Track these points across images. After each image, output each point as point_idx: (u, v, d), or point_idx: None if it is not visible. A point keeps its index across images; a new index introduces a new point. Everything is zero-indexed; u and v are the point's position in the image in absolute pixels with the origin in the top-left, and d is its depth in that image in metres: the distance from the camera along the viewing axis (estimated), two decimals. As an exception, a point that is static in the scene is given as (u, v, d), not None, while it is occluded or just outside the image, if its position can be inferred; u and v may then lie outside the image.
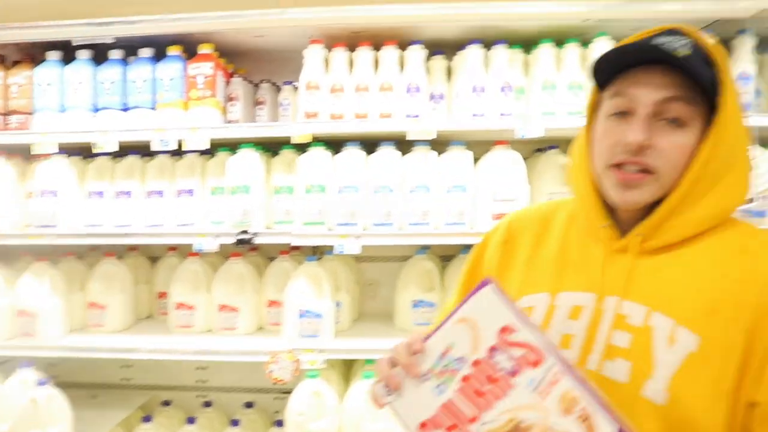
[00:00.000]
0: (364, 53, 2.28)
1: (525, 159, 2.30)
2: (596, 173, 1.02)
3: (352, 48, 2.31)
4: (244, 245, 2.31)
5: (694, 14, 2.16)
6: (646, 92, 0.95)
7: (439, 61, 2.33)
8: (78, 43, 2.38)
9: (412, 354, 0.97)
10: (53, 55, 2.42)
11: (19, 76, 2.42)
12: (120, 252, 2.68)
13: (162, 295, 2.67)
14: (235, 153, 2.36)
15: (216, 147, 2.40)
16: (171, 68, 2.33)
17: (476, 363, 0.90)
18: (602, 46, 2.24)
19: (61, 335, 2.39)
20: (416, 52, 2.27)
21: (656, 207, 0.98)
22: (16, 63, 2.48)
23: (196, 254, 2.53)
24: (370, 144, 2.32)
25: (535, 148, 2.51)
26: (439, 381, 0.92)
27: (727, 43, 2.34)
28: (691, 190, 0.95)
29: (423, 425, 0.92)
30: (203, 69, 2.32)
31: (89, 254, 2.72)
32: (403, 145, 2.29)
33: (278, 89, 2.58)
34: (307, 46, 2.29)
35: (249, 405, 2.60)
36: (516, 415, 0.86)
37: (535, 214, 1.17)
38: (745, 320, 0.88)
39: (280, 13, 2.23)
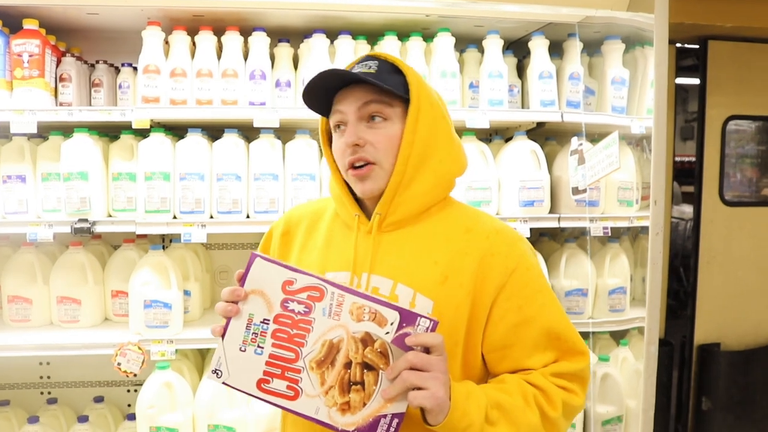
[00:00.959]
0: (206, 38, 2.22)
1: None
2: (344, 176, 1.23)
3: (193, 32, 2.24)
4: (84, 234, 2.20)
5: (528, 17, 2.31)
6: (349, 103, 1.17)
7: (284, 49, 2.32)
8: None
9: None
10: None
11: None
12: (-58, 243, 2.46)
13: (-7, 288, 2.49)
14: (69, 137, 2.23)
15: (48, 130, 2.25)
16: (-9, 44, 2.15)
17: (276, 318, 1.06)
18: (444, 41, 2.33)
19: None
20: (260, 39, 2.25)
21: None
22: None
23: (30, 244, 2.37)
24: (213, 130, 2.28)
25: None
26: (254, 346, 1.06)
27: (559, 45, 2.52)
28: (406, 169, 1.17)
29: (259, 383, 1.06)
30: (28, 46, 2.15)
31: None
32: (249, 132, 2.27)
33: (117, 71, 2.45)
34: (146, 28, 2.19)
35: (99, 399, 2.51)
36: (325, 338, 1.04)
37: (309, 209, 1.35)
38: (468, 284, 1.15)
39: (113, -10, 2.11)
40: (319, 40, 2.26)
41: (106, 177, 2.27)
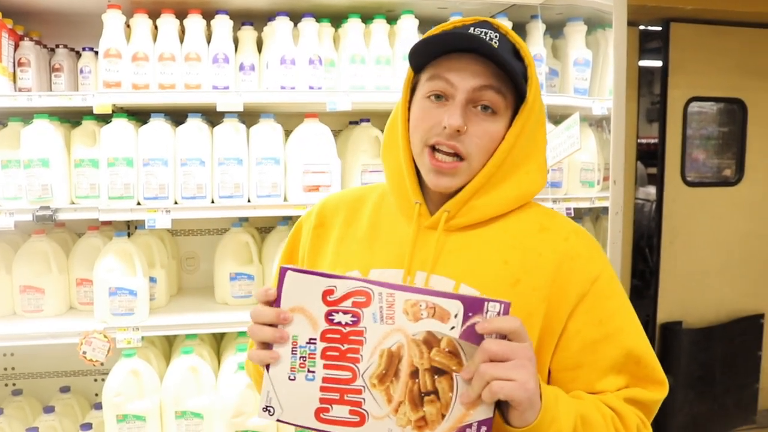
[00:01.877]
0: (168, 21, 2.19)
1: (339, 131, 2.35)
2: (414, 151, 1.06)
3: (155, 15, 2.21)
4: (47, 222, 2.17)
5: (491, -2, 2.31)
6: (463, 79, 0.99)
7: (248, 32, 2.30)
8: None
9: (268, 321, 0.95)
10: None
11: None
12: None
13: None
14: (29, 123, 2.19)
15: (7, 117, 2.20)
16: (-56, 28, 2.09)
17: (324, 336, 0.92)
18: (407, 23, 2.33)
19: None
20: (223, 22, 2.23)
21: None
22: None
23: (-10, 233, 2.33)
24: (178, 115, 2.26)
25: (349, 120, 2.57)
26: (304, 371, 0.93)
27: (522, 27, 2.54)
28: (494, 174, 1.02)
29: (317, 414, 0.93)
30: (-17, 31, 2.10)
31: None
32: (213, 116, 2.25)
33: (78, 55, 2.41)
34: (106, 11, 2.15)
35: (65, 390, 2.48)
36: (382, 347, 0.90)
37: (346, 198, 1.19)
38: (543, 289, 0.99)
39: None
40: (282, 23, 2.24)
41: (68, 164, 2.23)
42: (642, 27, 3.59)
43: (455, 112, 0.98)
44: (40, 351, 2.61)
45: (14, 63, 2.22)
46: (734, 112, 3.87)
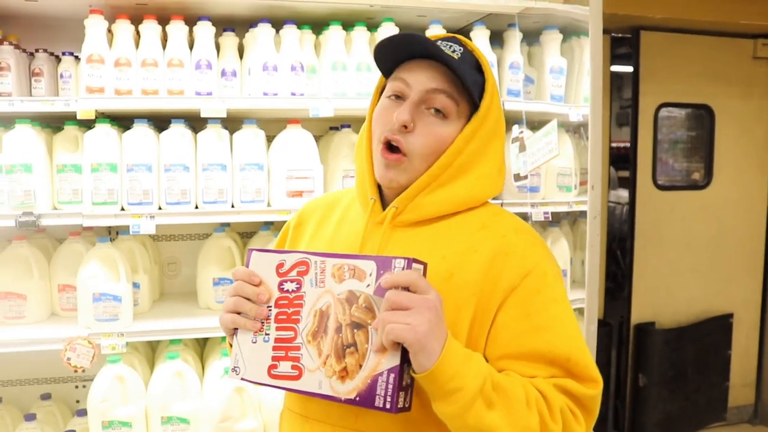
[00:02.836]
0: (151, 27, 2.21)
1: (320, 137, 2.38)
2: (373, 149, 1.13)
3: (137, 21, 2.22)
4: (29, 228, 2.16)
5: (470, 6, 2.37)
6: (418, 81, 1.07)
7: (230, 38, 2.33)
8: None
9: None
10: None
11: None
12: None
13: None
14: (10, 128, 2.18)
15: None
16: None
17: (277, 302, 1.05)
18: (388, 30, 2.38)
19: None
20: (205, 28, 2.25)
21: None
22: None
23: (-30, 240, 2.31)
24: (159, 121, 2.27)
25: (329, 126, 2.61)
26: (262, 335, 1.05)
27: (499, 35, 2.60)
28: (440, 174, 1.08)
29: (269, 371, 1.05)
30: (-37, 35, 2.09)
31: None
32: (196, 122, 2.26)
33: (58, 60, 2.40)
34: (88, 16, 2.16)
35: (46, 397, 2.46)
36: (315, 308, 1.02)
37: (326, 200, 1.28)
38: (475, 284, 1.04)
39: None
40: (264, 30, 2.27)
41: (51, 169, 2.22)
42: (612, 34, 3.68)
43: (404, 109, 1.06)
44: (19, 358, 2.58)
45: (-7, 68, 2.21)
46: (702, 117, 3.97)
